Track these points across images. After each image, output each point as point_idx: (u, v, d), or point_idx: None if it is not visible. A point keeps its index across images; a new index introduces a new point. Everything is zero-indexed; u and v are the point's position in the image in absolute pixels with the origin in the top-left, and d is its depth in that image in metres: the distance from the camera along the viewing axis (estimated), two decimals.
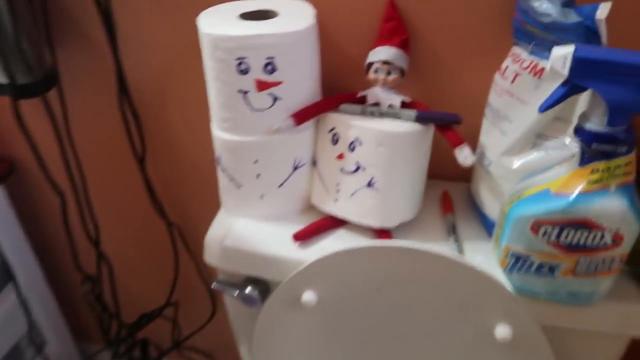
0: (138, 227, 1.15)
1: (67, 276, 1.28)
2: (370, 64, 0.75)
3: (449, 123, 0.72)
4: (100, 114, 0.99)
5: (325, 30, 0.79)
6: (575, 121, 0.58)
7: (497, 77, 0.71)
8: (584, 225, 0.57)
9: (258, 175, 0.76)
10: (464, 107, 0.78)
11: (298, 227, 0.76)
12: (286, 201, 0.80)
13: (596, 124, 0.55)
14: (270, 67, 0.69)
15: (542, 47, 0.63)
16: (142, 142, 0.99)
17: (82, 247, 1.17)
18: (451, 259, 0.65)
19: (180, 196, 1.08)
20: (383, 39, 0.76)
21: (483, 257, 0.70)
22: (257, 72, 0.69)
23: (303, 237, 0.75)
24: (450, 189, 0.85)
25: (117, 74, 0.91)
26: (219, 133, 0.76)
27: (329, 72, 0.80)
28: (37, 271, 1.23)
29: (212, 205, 0.85)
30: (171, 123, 0.98)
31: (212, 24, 0.70)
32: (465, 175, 0.82)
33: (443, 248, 0.67)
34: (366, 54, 0.77)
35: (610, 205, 0.56)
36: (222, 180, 0.80)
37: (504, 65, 0.68)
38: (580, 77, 0.53)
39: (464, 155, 0.70)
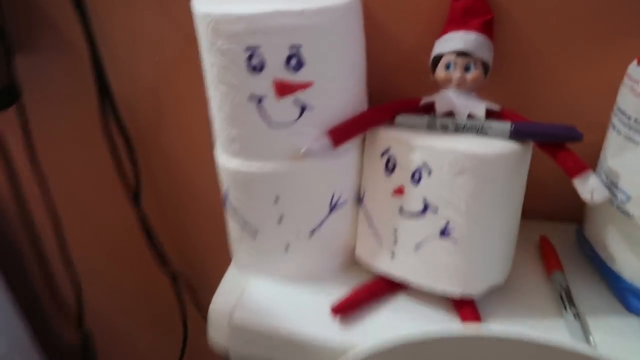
0: (133, 281, 0.93)
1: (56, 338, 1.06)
2: (438, 58, 0.53)
3: (563, 140, 0.48)
4: (77, 138, 0.79)
5: (372, 14, 0.57)
6: None
7: (632, 69, 0.47)
8: None
9: (280, 219, 0.54)
10: (573, 118, 0.54)
11: (338, 293, 0.53)
12: (320, 255, 0.57)
13: None
14: (295, 61, 0.47)
15: None
16: (136, 172, 0.78)
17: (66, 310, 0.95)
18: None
19: (186, 239, 0.86)
20: (455, 22, 0.53)
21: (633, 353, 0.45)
22: (276, 69, 0.47)
23: (346, 309, 0.52)
24: (548, 232, 0.61)
25: (98, 87, 0.70)
26: (225, 160, 0.54)
27: (377, 72, 0.57)
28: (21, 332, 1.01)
29: (226, 252, 0.63)
30: (172, 147, 0.77)
31: (211, 1, 0.48)
32: (569, 212, 0.61)
33: (572, 340, 0.43)
34: (429, 44, 0.54)
35: None
36: (232, 227, 0.58)
37: None
38: None
39: (589, 188, 0.46)
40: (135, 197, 0.80)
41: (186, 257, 0.88)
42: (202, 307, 0.92)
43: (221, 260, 0.64)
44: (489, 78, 0.54)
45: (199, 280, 0.90)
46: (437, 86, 0.53)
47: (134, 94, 0.74)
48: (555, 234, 0.61)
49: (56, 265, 0.88)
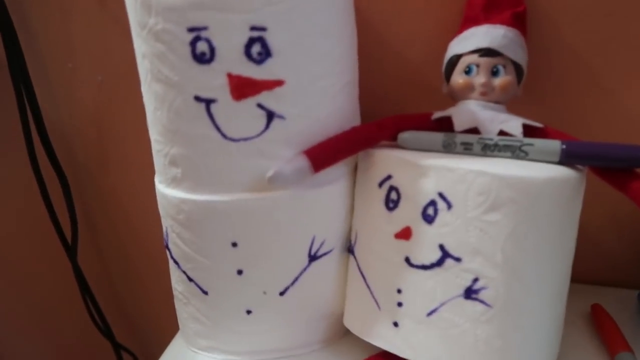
0: (70, 352, 0.76)
1: None
2: (454, 62, 0.39)
3: (633, 164, 0.34)
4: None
5: (367, 14, 0.44)
6: None
7: None
8: None
9: (240, 272, 0.39)
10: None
11: None
12: (295, 323, 0.42)
13: None
14: (258, 48, 0.33)
15: None
16: (72, 218, 0.62)
17: None
18: None
19: (131, 302, 0.69)
20: (475, 19, 0.40)
21: None
22: (231, 60, 0.34)
23: None
24: (599, 300, 0.46)
25: (23, 114, 0.56)
26: (163, 189, 0.39)
27: (375, 87, 0.44)
28: None
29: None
30: (115, 189, 0.63)
31: None
32: (624, 275, 0.48)
33: None
34: (438, 51, 0.41)
35: None
36: (175, 281, 0.43)
37: None
38: None
39: None
40: (70, 250, 0.64)
41: (131, 324, 0.72)
42: None
43: (173, 330, 0.49)
44: (523, 90, 0.40)
45: (147, 354, 0.74)
46: (452, 103, 0.40)
47: (70, 123, 0.61)
48: (609, 302, 0.46)
49: None
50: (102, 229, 0.66)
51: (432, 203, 0.35)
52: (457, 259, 0.34)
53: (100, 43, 0.56)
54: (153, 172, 0.44)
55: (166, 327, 0.53)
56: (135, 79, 0.55)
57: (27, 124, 0.57)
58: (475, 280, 0.34)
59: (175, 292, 0.44)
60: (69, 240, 0.64)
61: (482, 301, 0.34)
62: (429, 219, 0.35)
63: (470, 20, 0.41)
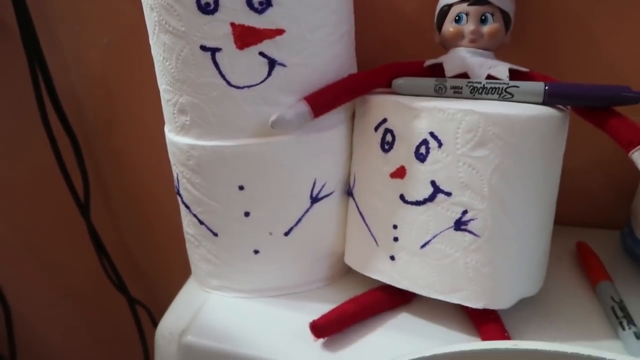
0: (86, 308, 0.79)
1: None
2: (445, 12, 0.41)
3: (614, 103, 0.37)
4: (10, 139, 0.66)
5: None
6: None
7: None
8: None
9: (247, 214, 0.41)
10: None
11: (322, 311, 0.40)
12: (299, 262, 0.45)
13: None
14: None
15: None
16: (84, 178, 0.65)
17: None
18: None
19: (143, 256, 0.72)
20: None
21: None
22: (234, 9, 0.36)
23: (330, 328, 0.40)
24: (584, 239, 0.49)
25: (34, 76, 0.58)
26: (173, 137, 0.42)
27: (372, 38, 0.46)
28: None
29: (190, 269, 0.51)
30: (126, 149, 0.65)
31: None
32: (607, 216, 0.50)
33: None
34: (431, 1, 0.43)
35: None
36: (187, 226, 0.46)
37: None
38: None
39: None
40: (83, 208, 0.67)
41: (146, 279, 0.75)
42: None
43: (184, 282, 0.52)
44: (511, 37, 0.43)
45: (161, 306, 0.77)
46: (444, 52, 0.42)
47: (79, 85, 0.63)
48: (594, 241, 0.49)
49: None
50: (114, 186, 0.69)
51: (424, 142, 0.37)
52: (448, 194, 0.37)
53: (105, 5, 0.58)
54: (160, 129, 0.47)
55: (178, 281, 0.56)
56: (140, 40, 0.57)
57: (38, 86, 0.60)
58: (465, 212, 0.37)
59: (186, 236, 0.46)
60: (82, 198, 0.67)
61: (470, 232, 0.37)
62: (421, 158, 0.38)
63: None
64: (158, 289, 0.75)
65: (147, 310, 0.75)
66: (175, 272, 0.72)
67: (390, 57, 0.47)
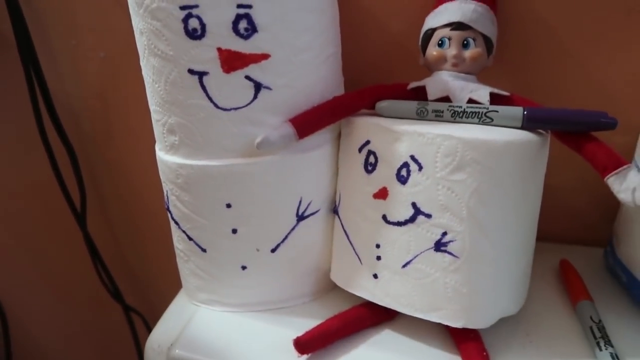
0: (78, 316, 0.81)
1: None
2: (429, 35, 0.42)
3: (591, 128, 0.38)
4: (7, 149, 0.67)
5: None
6: None
7: None
8: None
9: (235, 231, 0.42)
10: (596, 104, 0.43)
11: (308, 325, 0.41)
12: (285, 277, 0.46)
13: None
14: (244, 24, 0.37)
15: None
16: (81, 189, 0.66)
17: None
18: None
19: (138, 265, 0.74)
20: None
21: None
22: (221, 35, 0.37)
23: (313, 344, 0.41)
24: (568, 257, 0.50)
25: (31, 87, 0.59)
26: (163, 155, 0.43)
27: (359, 59, 0.47)
28: None
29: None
30: (121, 159, 0.66)
31: None
32: (592, 234, 0.51)
33: None
34: (417, 24, 0.45)
35: None
36: (177, 241, 0.47)
37: None
38: None
39: (630, 186, 0.35)
40: (80, 217, 0.68)
41: (140, 287, 0.76)
42: None
43: (176, 289, 0.53)
44: (493, 62, 0.43)
45: (156, 314, 0.78)
46: (428, 73, 0.43)
47: (76, 97, 0.64)
48: (577, 259, 0.49)
49: None
50: (109, 197, 0.70)
51: (405, 165, 0.38)
52: (428, 215, 0.38)
53: (102, 21, 0.59)
54: (154, 141, 0.48)
55: (171, 288, 0.57)
56: (135, 55, 0.59)
57: (35, 98, 0.61)
58: (444, 234, 0.38)
59: (176, 251, 0.47)
60: (78, 208, 0.68)
61: (450, 253, 0.38)
62: (402, 180, 0.39)
63: None
64: (153, 297, 0.77)
65: (142, 318, 0.77)
66: (169, 281, 0.73)
67: (377, 77, 0.48)
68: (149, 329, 0.77)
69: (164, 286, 0.75)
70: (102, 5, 0.57)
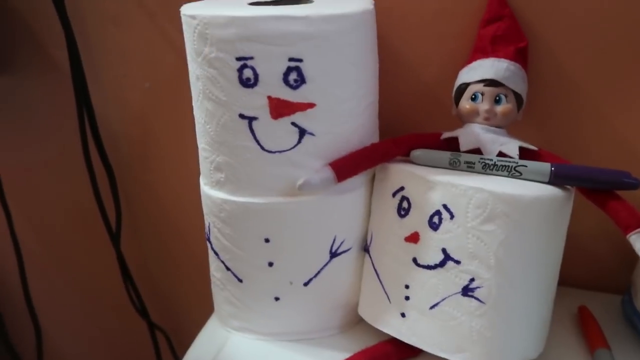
0: (104, 330, 0.83)
1: None
2: (463, 89, 0.45)
3: (614, 187, 0.40)
4: (51, 167, 0.71)
5: (388, 39, 0.50)
6: None
7: None
8: None
9: (271, 264, 0.45)
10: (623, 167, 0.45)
11: (336, 355, 0.43)
12: (316, 310, 0.48)
13: None
14: (294, 76, 0.40)
15: None
16: (117, 209, 0.69)
17: None
18: None
19: (167, 287, 0.76)
20: (483, 51, 0.46)
21: None
22: (272, 85, 0.40)
23: None
24: (587, 303, 0.52)
25: (80, 111, 0.63)
26: (208, 190, 0.46)
27: (392, 106, 0.50)
28: None
29: (211, 303, 0.54)
30: (157, 185, 0.70)
31: (202, 6, 0.42)
32: (612, 281, 0.53)
33: None
34: (452, 76, 0.47)
35: None
36: (215, 270, 0.49)
37: None
38: None
39: None
40: (114, 236, 0.71)
41: (166, 307, 0.79)
42: None
43: (206, 313, 0.55)
44: (522, 116, 0.46)
45: (180, 334, 0.80)
46: (460, 123, 0.46)
47: (119, 122, 0.67)
48: (596, 305, 0.51)
49: (14, 308, 0.78)
50: (143, 219, 0.73)
51: (438, 213, 0.41)
52: (457, 262, 0.40)
53: (149, 54, 0.62)
54: (188, 170, 0.50)
55: (197, 311, 0.59)
56: (177, 88, 0.62)
57: (83, 121, 0.64)
58: (472, 280, 0.40)
59: (213, 279, 0.50)
60: (114, 228, 0.71)
61: (477, 298, 0.40)
62: (434, 226, 0.41)
63: (479, 51, 0.47)
64: (178, 317, 0.79)
65: (165, 336, 0.79)
66: (195, 304, 0.76)
67: (408, 124, 0.50)
68: (172, 347, 0.79)
69: (190, 309, 0.78)
70: (151, 40, 0.61)
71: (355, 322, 0.50)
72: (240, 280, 0.47)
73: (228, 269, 0.47)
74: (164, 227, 0.72)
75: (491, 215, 0.38)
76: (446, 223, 0.40)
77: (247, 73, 0.39)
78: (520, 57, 0.45)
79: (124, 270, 0.73)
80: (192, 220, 0.68)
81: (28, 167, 0.74)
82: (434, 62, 0.52)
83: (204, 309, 0.56)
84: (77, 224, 0.75)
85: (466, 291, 0.40)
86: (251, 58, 0.39)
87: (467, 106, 0.44)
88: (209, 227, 0.47)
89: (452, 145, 0.44)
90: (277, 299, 0.47)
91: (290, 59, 0.39)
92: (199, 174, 0.48)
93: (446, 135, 0.45)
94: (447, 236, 0.40)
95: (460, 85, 0.46)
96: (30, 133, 0.71)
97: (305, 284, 0.46)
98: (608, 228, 0.52)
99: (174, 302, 0.78)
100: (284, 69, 0.39)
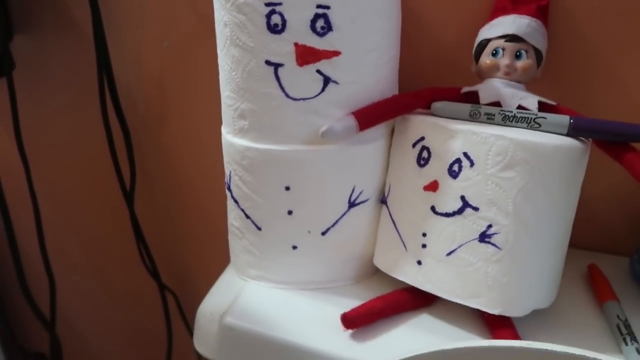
0: (115, 288, 0.84)
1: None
2: (483, 45, 0.46)
3: (632, 139, 0.41)
4: (69, 125, 0.72)
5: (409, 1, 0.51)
6: None
7: None
8: None
9: (290, 212, 0.46)
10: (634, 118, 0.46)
11: (351, 303, 0.44)
12: (333, 259, 0.49)
13: None
14: (321, 23, 0.40)
15: None
16: (132, 168, 0.70)
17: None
18: None
19: (178, 249, 0.77)
20: (504, 9, 0.47)
21: None
22: (299, 31, 0.41)
23: (358, 320, 0.44)
24: (596, 263, 0.52)
25: (100, 71, 0.63)
26: (231, 138, 0.47)
27: (412, 65, 0.51)
28: None
29: (222, 266, 0.55)
30: (172, 147, 0.70)
31: None
32: (620, 244, 0.54)
33: None
34: (472, 37, 0.47)
35: None
36: (233, 218, 0.50)
37: None
38: None
39: None
40: (128, 196, 0.72)
41: (177, 268, 0.80)
42: (191, 326, 0.83)
43: (216, 274, 0.56)
44: (541, 73, 0.47)
45: (189, 295, 0.82)
46: (479, 81, 0.47)
47: (136, 83, 0.68)
48: (605, 265, 0.52)
49: (31, 261, 0.79)
50: (158, 179, 0.73)
51: (458, 161, 0.42)
52: (475, 208, 0.41)
53: (168, 13, 0.63)
54: (207, 128, 0.50)
55: (207, 274, 0.60)
56: (196, 47, 0.63)
57: (102, 83, 0.65)
58: (489, 226, 0.41)
59: (231, 228, 0.51)
60: (128, 187, 0.72)
61: (493, 244, 0.41)
62: (454, 175, 0.42)
63: (499, 10, 0.47)
64: (188, 279, 0.80)
65: (175, 298, 0.80)
66: (205, 267, 0.77)
67: (426, 82, 0.51)
68: (180, 309, 0.81)
69: (201, 270, 0.79)
70: None
71: (371, 273, 0.51)
72: (259, 229, 0.48)
73: (247, 217, 0.48)
74: (179, 188, 0.73)
75: (511, 162, 0.39)
76: (466, 171, 0.41)
77: (275, 19, 0.40)
78: (541, 14, 0.46)
79: (137, 230, 0.74)
80: (206, 182, 0.69)
81: (45, 127, 0.75)
82: (454, 22, 0.52)
83: (214, 273, 0.57)
84: (93, 183, 0.76)
85: (483, 237, 0.41)
86: (280, 4, 0.40)
87: (488, 61, 0.45)
88: (229, 175, 0.48)
89: (472, 99, 0.45)
90: (294, 247, 0.48)
91: (318, 6, 0.40)
92: (214, 134, 0.49)
93: (466, 89, 0.46)
94: (467, 184, 0.41)
95: (481, 41, 0.46)
96: (49, 92, 0.72)
97: (323, 233, 0.47)
98: (617, 190, 0.54)
99: (185, 264, 0.79)
100: (311, 15, 0.40)
